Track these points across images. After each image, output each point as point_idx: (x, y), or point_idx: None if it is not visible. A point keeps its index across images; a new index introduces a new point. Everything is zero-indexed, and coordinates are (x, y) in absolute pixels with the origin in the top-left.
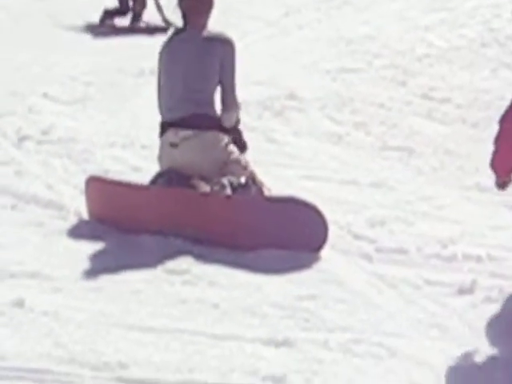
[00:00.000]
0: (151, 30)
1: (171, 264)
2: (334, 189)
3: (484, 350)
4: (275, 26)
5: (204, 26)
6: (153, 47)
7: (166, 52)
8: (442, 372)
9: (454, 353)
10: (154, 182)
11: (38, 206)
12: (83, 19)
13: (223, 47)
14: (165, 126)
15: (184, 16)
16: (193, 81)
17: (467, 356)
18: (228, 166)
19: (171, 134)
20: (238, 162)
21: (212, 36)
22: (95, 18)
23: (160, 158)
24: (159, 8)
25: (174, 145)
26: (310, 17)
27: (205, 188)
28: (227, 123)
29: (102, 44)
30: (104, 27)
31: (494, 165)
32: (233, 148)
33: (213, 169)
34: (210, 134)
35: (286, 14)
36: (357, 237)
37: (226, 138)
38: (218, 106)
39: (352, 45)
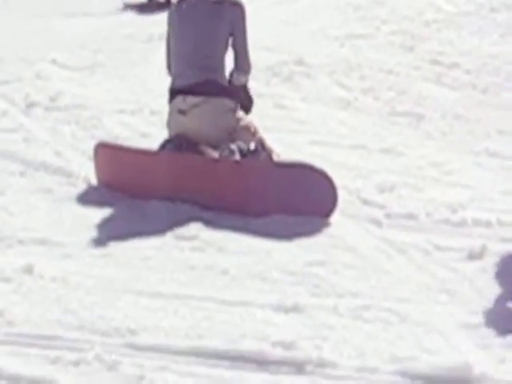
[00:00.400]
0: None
1: (180, 230)
2: (342, 154)
3: (493, 314)
4: None
5: None
6: (162, 14)
7: (176, 16)
8: (452, 337)
9: (464, 318)
10: (162, 147)
11: (46, 172)
12: None
13: (233, 10)
14: (174, 92)
15: None
16: (202, 46)
17: (477, 320)
18: (237, 132)
19: (180, 101)
20: (247, 128)
21: (225, 3)
22: None
23: (169, 125)
24: None
25: (182, 112)
26: None
27: (213, 154)
28: (236, 82)
29: (111, 10)
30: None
31: None
32: (242, 114)
33: (221, 135)
34: (219, 101)
35: None
36: (366, 202)
37: (234, 105)
38: (227, 72)
39: (360, 11)
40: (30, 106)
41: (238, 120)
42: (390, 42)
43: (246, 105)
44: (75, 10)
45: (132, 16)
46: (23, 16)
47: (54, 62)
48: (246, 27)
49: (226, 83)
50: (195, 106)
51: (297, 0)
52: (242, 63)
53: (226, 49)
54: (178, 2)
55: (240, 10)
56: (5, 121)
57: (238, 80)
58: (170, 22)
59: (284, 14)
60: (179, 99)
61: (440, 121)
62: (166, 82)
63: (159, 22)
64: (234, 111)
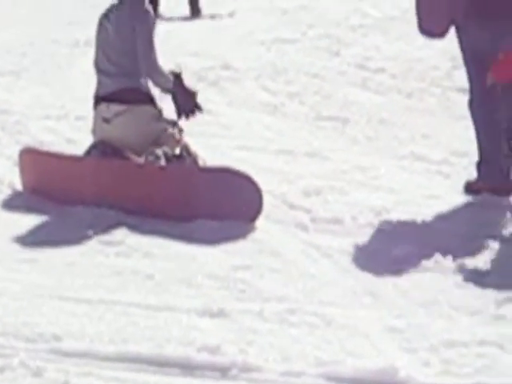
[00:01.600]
0: None
1: (105, 235)
2: (268, 159)
3: (418, 317)
4: None
5: None
6: (87, 18)
7: (97, 26)
8: (377, 340)
9: (389, 321)
10: (88, 153)
11: None
12: None
13: (136, 16)
14: (98, 100)
15: None
16: (120, 55)
17: (401, 324)
18: (162, 137)
19: (103, 109)
20: (171, 134)
21: (129, 6)
22: None
23: (94, 131)
24: None
25: (106, 120)
26: None
27: (139, 160)
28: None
29: (36, 15)
30: None
31: None
32: (165, 120)
33: (146, 142)
34: (142, 109)
35: None
36: (292, 207)
37: (157, 112)
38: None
39: (286, 15)
40: None
41: (162, 127)
42: (316, 47)
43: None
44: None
45: (55, 20)
46: None
47: None
48: (148, 30)
49: (148, 90)
50: (118, 114)
51: (223, 4)
52: (143, 65)
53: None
54: (108, 8)
55: (143, 15)
56: None
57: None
58: (96, 28)
59: (210, 18)
60: (103, 107)
61: (365, 125)
62: (91, 87)
63: (85, 26)
64: (158, 118)
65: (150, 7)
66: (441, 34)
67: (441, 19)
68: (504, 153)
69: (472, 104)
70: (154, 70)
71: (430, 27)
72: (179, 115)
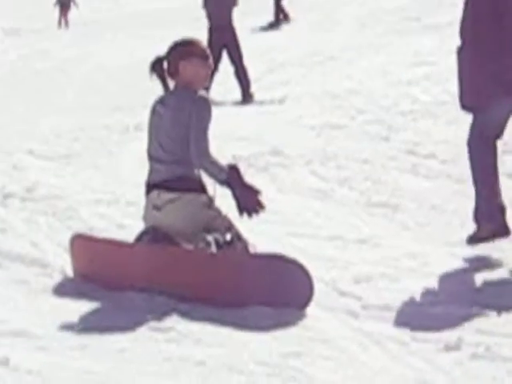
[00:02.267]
0: None
1: (156, 322)
2: (319, 245)
3: None
4: (260, 81)
5: (182, 86)
6: (137, 103)
7: (150, 114)
8: None
9: None
10: (138, 239)
11: (22, 263)
12: (67, 76)
13: (194, 104)
14: (149, 187)
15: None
16: (171, 143)
17: None
18: (212, 224)
19: (154, 196)
20: (222, 221)
21: (186, 95)
22: (77, 73)
23: (144, 218)
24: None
25: (157, 207)
26: (294, 72)
27: (190, 246)
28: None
29: (86, 100)
30: None
31: None
32: (216, 208)
33: (197, 230)
34: (192, 196)
35: (270, 70)
36: (342, 293)
37: (208, 199)
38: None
39: (336, 100)
40: (6, 196)
41: (213, 214)
42: (366, 132)
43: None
44: (52, 103)
45: (106, 106)
46: None
47: (30, 152)
48: (204, 119)
49: (200, 178)
50: (169, 201)
51: (273, 89)
52: (192, 148)
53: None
54: (158, 99)
55: (201, 104)
56: None
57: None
58: (149, 115)
59: (260, 104)
60: (154, 194)
61: (416, 211)
62: (141, 172)
63: (134, 112)
64: (209, 206)
65: (208, 96)
66: (481, 108)
67: (481, 95)
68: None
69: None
70: (205, 158)
71: (472, 103)
72: (241, 213)
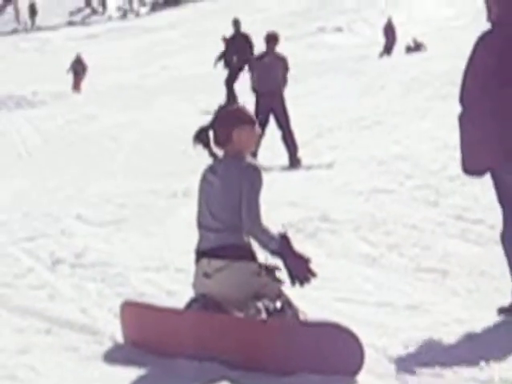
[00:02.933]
0: None
1: None
2: (368, 311)
3: None
4: (308, 146)
5: (233, 154)
6: (185, 169)
7: (200, 182)
8: None
9: None
10: (188, 306)
11: (72, 330)
12: (114, 141)
13: (245, 173)
14: (199, 254)
15: (208, 149)
16: (221, 212)
17: None
18: (262, 291)
19: (204, 264)
20: (271, 288)
21: (237, 163)
22: (125, 138)
23: (194, 286)
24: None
25: (207, 275)
26: (341, 137)
27: (240, 314)
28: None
29: (134, 166)
30: None
31: None
32: (265, 275)
33: (247, 297)
34: (242, 265)
35: (318, 135)
36: (393, 360)
37: (257, 267)
38: None
39: (383, 165)
40: (56, 262)
41: (263, 282)
42: (414, 197)
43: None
44: (99, 167)
45: (153, 171)
46: (45, 171)
47: (78, 217)
48: (255, 189)
49: (249, 245)
50: (219, 269)
51: (321, 154)
52: (244, 219)
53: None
54: (207, 168)
55: (252, 173)
56: (30, 277)
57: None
58: (199, 183)
59: (308, 169)
60: (204, 262)
61: (465, 277)
62: (190, 238)
63: (182, 178)
64: (259, 274)
65: (258, 163)
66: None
67: (482, 160)
68: None
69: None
70: (257, 227)
71: (473, 167)
72: (293, 282)
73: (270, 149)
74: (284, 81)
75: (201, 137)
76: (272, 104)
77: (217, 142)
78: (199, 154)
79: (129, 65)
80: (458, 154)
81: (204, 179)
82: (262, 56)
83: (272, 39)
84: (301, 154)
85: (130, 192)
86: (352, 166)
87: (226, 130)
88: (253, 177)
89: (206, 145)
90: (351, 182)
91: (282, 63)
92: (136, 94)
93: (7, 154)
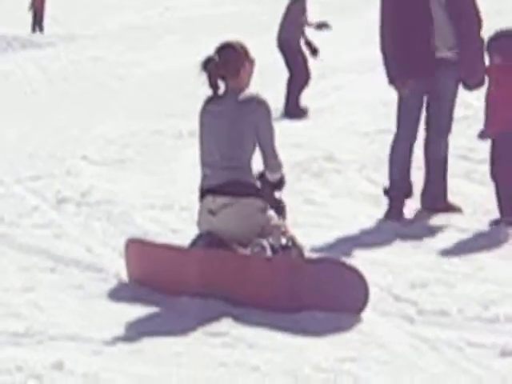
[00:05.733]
0: None
1: (211, 326)
2: (373, 250)
3: None
4: (312, 88)
5: (238, 88)
6: (191, 110)
7: (202, 118)
8: None
9: None
10: (193, 244)
11: (77, 268)
12: (120, 79)
13: (256, 111)
14: (203, 192)
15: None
16: (228, 148)
17: None
18: (268, 229)
19: (209, 201)
20: (277, 227)
21: (245, 99)
22: (130, 79)
23: (199, 223)
24: None
25: (211, 212)
26: (346, 78)
27: (245, 251)
28: (271, 179)
29: (139, 106)
30: None
31: None
32: (271, 213)
33: (252, 234)
34: (248, 201)
35: (322, 76)
36: (398, 299)
37: (264, 204)
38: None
39: (389, 107)
40: (61, 201)
41: (268, 219)
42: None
43: (277, 209)
44: (104, 108)
45: (159, 111)
46: (49, 112)
47: (83, 157)
48: (271, 126)
49: (255, 182)
50: (224, 206)
51: (326, 96)
52: (271, 162)
53: (253, 149)
54: (207, 101)
55: (265, 110)
56: (36, 216)
57: (272, 177)
58: (199, 121)
59: (312, 109)
60: (209, 199)
61: (470, 216)
62: (195, 178)
63: (188, 118)
64: (264, 210)
65: (265, 98)
66: None
67: None
68: None
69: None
70: (279, 167)
71: None
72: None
73: (275, 89)
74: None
75: (208, 66)
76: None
77: (223, 74)
78: (204, 94)
79: (133, 6)
80: (463, 96)
81: (206, 112)
82: None
83: None
84: (305, 94)
85: (135, 132)
86: (356, 107)
87: (235, 63)
88: (268, 114)
89: (213, 76)
90: (356, 123)
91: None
92: (141, 35)
93: (12, 95)
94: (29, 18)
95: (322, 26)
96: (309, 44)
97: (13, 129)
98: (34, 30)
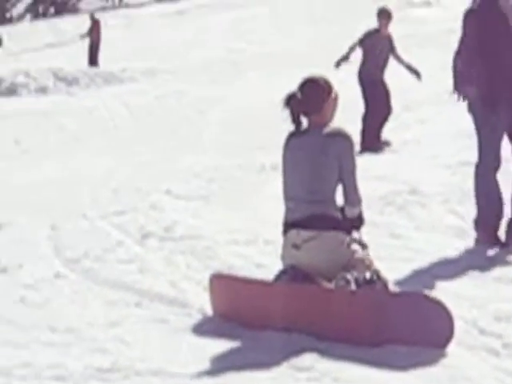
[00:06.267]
0: None
1: (295, 360)
2: (458, 283)
3: None
4: (396, 120)
5: (321, 124)
6: (273, 142)
7: (285, 152)
8: None
9: None
10: (277, 278)
11: (161, 303)
12: (202, 113)
13: (340, 145)
14: (287, 226)
15: (294, 115)
16: (311, 181)
17: None
18: (352, 262)
19: (293, 235)
20: (361, 260)
21: (329, 133)
22: (213, 113)
23: (283, 257)
24: None
25: (295, 246)
26: (429, 111)
27: (329, 285)
28: (349, 215)
29: (222, 140)
30: None
31: None
32: (355, 247)
33: (336, 268)
34: (332, 235)
35: (406, 108)
36: (483, 332)
37: (347, 238)
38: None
39: (472, 138)
40: (145, 236)
41: (352, 253)
42: (505, 170)
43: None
44: (188, 143)
45: (242, 145)
46: (134, 146)
47: (168, 192)
48: (354, 161)
49: (338, 216)
50: (308, 240)
51: (409, 128)
52: (352, 197)
53: (336, 182)
54: (290, 135)
55: (348, 145)
56: (120, 251)
57: (351, 213)
58: (282, 155)
59: (396, 142)
60: (292, 233)
61: None
62: (278, 211)
63: (270, 151)
64: (348, 245)
65: (350, 133)
66: None
67: None
68: None
69: None
70: (359, 203)
71: None
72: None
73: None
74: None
75: (290, 102)
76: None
77: (306, 111)
78: (287, 128)
79: (216, 40)
80: None
81: (289, 146)
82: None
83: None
84: (389, 127)
85: (218, 166)
86: (440, 140)
87: (318, 100)
88: (352, 148)
89: (296, 111)
90: (440, 156)
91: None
92: (224, 69)
93: (96, 130)
94: (106, 53)
95: (412, 70)
96: (409, 68)
97: (97, 164)
98: (90, 63)
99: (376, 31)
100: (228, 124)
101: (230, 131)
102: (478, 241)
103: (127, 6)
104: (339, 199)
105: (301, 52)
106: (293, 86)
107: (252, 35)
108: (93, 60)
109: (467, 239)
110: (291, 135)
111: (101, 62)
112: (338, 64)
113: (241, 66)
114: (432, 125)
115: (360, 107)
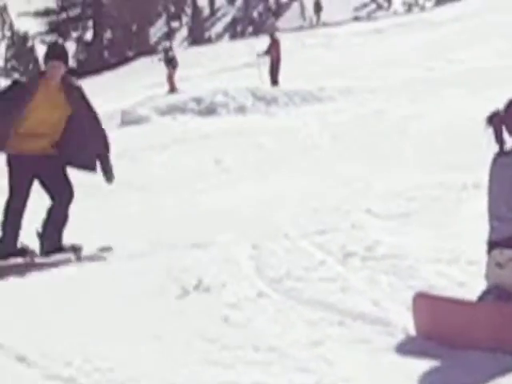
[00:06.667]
0: None
1: (499, 381)
2: None
3: None
4: None
5: None
6: (475, 161)
7: (491, 170)
8: None
9: None
10: (481, 298)
11: (364, 322)
12: (402, 132)
13: None
14: (491, 245)
15: (497, 134)
16: None
17: None
18: None
19: (496, 254)
20: None
21: None
22: (413, 132)
23: (487, 277)
24: None
25: (499, 265)
26: None
27: None
28: None
29: (423, 158)
30: None
31: None
32: None
33: None
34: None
35: None
36: None
37: None
38: None
39: None
40: (347, 255)
41: None
42: None
43: None
44: (388, 160)
45: (443, 163)
46: (332, 164)
47: (368, 211)
48: None
49: None
50: None
51: None
52: None
53: None
54: (498, 153)
55: None
56: (322, 270)
57: None
58: (489, 173)
59: None
60: (496, 252)
61: None
62: (481, 230)
63: (473, 169)
64: None
65: None
66: None
67: None
68: None
69: None
70: None
71: None
72: None
73: None
74: None
75: (494, 121)
76: None
77: (509, 130)
78: (489, 146)
79: (414, 59)
80: None
81: (495, 163)
82: None
83: None
84: None
85: (418, 185)
86: None
87: None
88: None
89: (497, 130)
90: None
91: None
92: (422, 88)
93: (295, 149)
94: (304, 72)
95: None
96: None
97: (296, 183)
98: (273, 83)
99: None
100: (428, 142)
101: (431, 149)
102: None
103: (325, 25)
104: None
105: (504, 69)
106: (495, 103)
107: (450, 53)
108: (273, 79)
109: None
110: (499, 152)
111: (280, 79)
112: None
113: (440, 84)
114: None
115: None
